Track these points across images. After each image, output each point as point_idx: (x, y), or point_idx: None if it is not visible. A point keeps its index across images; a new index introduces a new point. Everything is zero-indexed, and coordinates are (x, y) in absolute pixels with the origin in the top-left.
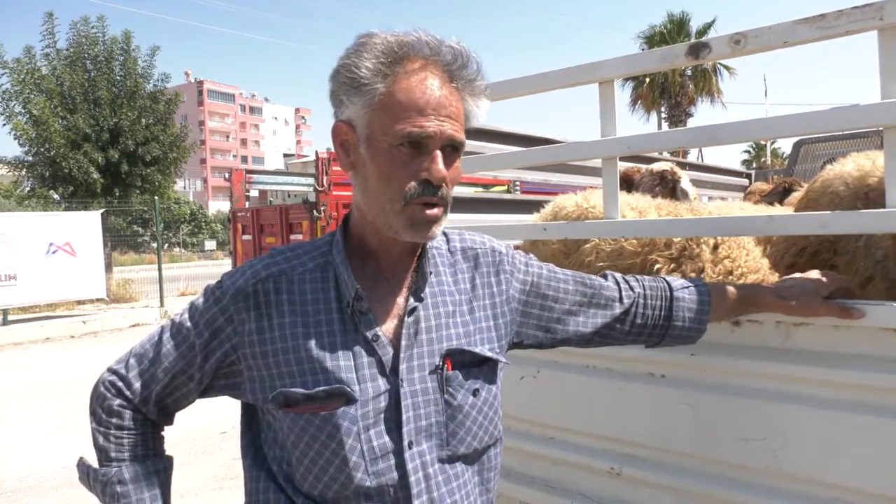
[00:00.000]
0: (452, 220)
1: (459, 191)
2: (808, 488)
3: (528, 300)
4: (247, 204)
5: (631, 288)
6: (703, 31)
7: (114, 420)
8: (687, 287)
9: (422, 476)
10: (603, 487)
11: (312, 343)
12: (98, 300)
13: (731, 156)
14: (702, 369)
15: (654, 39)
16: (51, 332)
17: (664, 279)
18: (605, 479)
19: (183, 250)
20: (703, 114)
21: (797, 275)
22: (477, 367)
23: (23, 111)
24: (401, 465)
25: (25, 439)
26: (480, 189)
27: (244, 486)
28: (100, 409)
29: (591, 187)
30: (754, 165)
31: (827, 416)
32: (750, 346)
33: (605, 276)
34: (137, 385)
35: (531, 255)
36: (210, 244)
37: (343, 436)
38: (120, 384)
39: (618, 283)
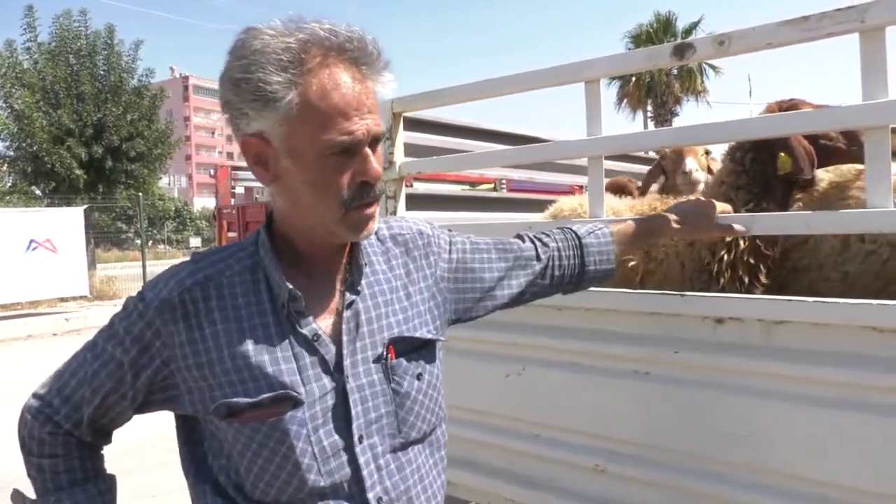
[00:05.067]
0: (440, 218)
1: (446, 189)
2: (790, 484)
3: (458, 276)
4: (232, 201)
5: (546, 245)
6: (689, 30)
7: (46, 449)
8: (592, 232)
9: (374, 468)
10: (588, 484)
11: (250, 349)
12: (81, 297)
13: (716, 154)
14: (685, 366)
15: (641, 38)
16: (33, 330)
17: (571, 229)
18: (590, 476)
19: (168, 247)
20: (689, 113)
21: (692, 198)
22: (418, 350)
23: (3, 105)
24: (353, 461)
25: (7, 437)
26: (467, 187)
27: (192, 503)
28: (28, 438)
29: (578, 186)
30: None
31: (808, 412)
32: (732, 344)
33: (521, 238)
34: (66, 409)
35: (453, 231)
36: (195, 241)
37: (293, 440)
38: (47, 410)
39: (533, 242)
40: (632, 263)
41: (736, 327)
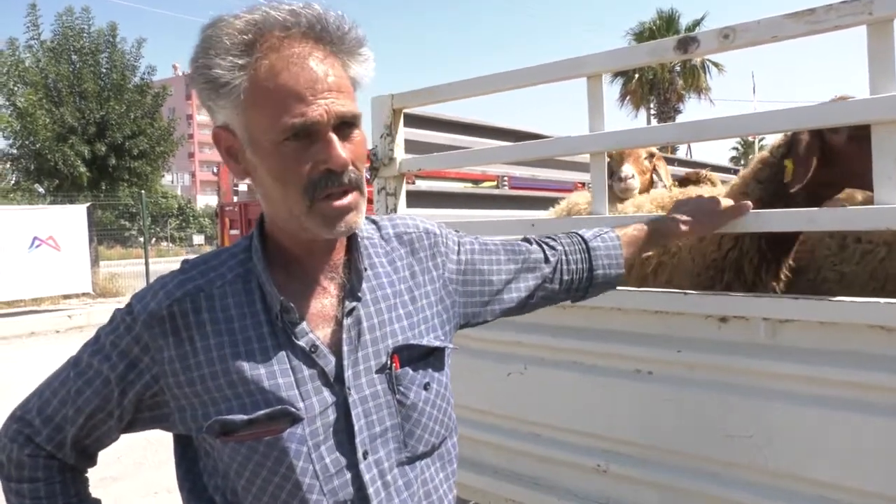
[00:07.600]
0: (442, 215)
1: (448, 187)
2: (792, 484)
3: (467, 278)
4: (235, 198)
5: (553, 248)
6: (693, 27)
7: (25, 472)
8: (599, 235)
9: (380, 485)
10: (589, 484)
11: (244, 362)
12: (84, 294)
13: (720, 153)
14: (689, 366)
15: (644, 36)
16: (36, 327)
17: (576, 233)
18: (591, 476)
19: (170, 244)
20: (692, 110)
21: (692, 196)
22: (424, 359)
23: (6, 103)
24: (357, 478)
25: None
26: (470, 185)
27: None
28: (7, 461)
29: (581, 184)
30: (742, 162)
31: (812, 412)
32: (737, 343)
33: (528, 242)
34: (48, 430)
35: (460, 231)
36: (198, 238)
37: (292, 459)
38: (27, 431)
39: (541, 245)
40: (648, 253)
41: (740, 326)
